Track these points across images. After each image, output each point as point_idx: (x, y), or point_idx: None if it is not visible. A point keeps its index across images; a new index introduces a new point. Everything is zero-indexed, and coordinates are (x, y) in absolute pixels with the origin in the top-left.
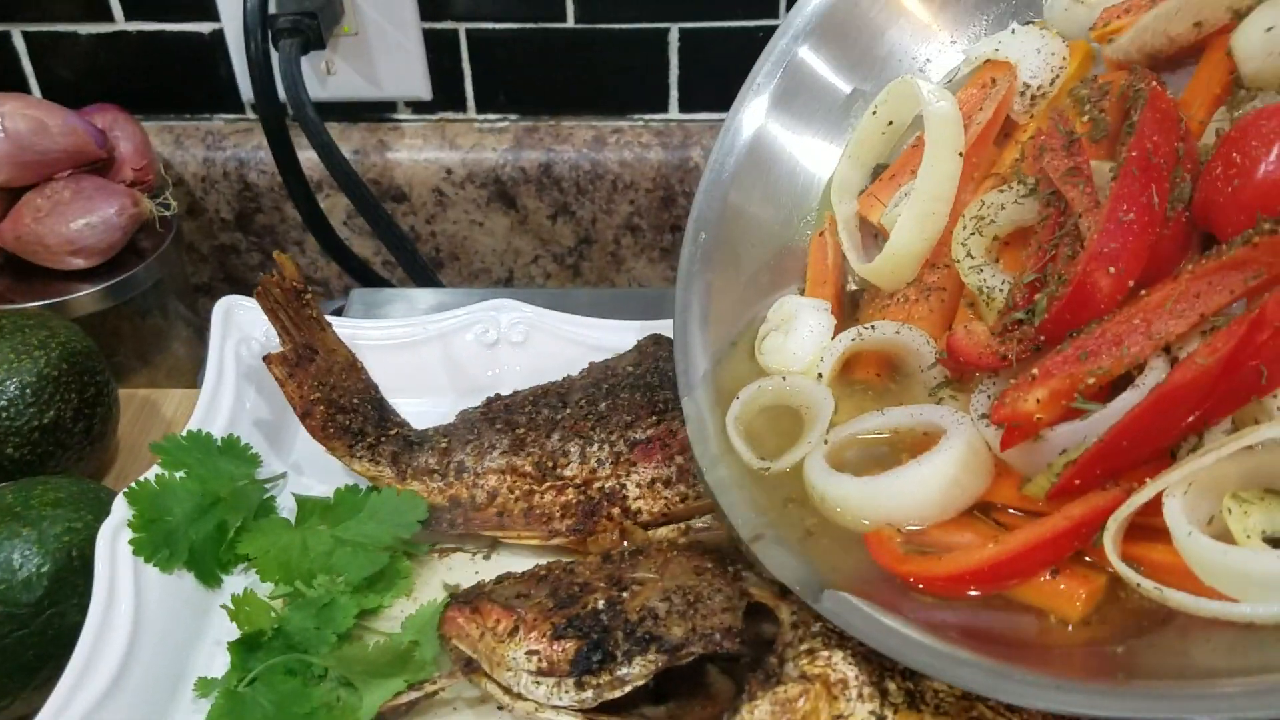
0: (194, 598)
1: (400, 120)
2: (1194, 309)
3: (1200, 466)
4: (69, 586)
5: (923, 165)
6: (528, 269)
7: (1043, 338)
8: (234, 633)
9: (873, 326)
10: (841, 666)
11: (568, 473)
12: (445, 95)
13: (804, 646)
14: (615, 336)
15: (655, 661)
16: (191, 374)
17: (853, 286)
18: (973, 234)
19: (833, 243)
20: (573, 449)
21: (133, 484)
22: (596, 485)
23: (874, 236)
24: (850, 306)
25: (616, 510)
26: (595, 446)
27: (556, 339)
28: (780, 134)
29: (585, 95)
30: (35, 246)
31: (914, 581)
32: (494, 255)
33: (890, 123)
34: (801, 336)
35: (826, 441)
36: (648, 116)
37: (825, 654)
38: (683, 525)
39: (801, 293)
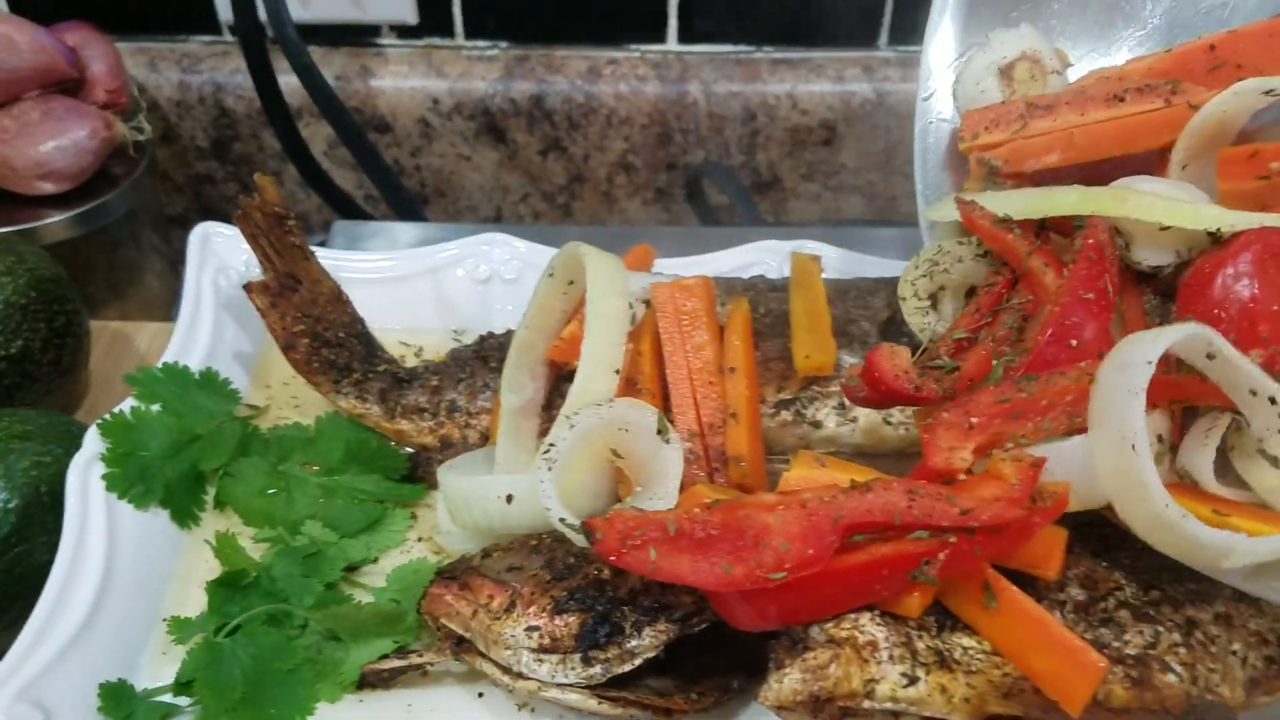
0: (169, 536)
1: (384, 45)
2: None
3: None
4: (37, 524)
5: None
6: (516, 208)
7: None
8: (211, 574)
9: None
10: (870, 628)
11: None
12: (432, 19)
13: None
14: None
15: (666, 632)
16: (165, 308)
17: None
18: (924, 275)
19: None
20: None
21: (106, 416)
22: None
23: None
24: None
25: None
26: None
27: None
28: None
29: (580, 23)
30: (2, 170)
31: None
32: (481, 192)
33: (571, 282)
34: None
35: None
36: (645, 48)
37: (852, 615)
38: None
39: None
